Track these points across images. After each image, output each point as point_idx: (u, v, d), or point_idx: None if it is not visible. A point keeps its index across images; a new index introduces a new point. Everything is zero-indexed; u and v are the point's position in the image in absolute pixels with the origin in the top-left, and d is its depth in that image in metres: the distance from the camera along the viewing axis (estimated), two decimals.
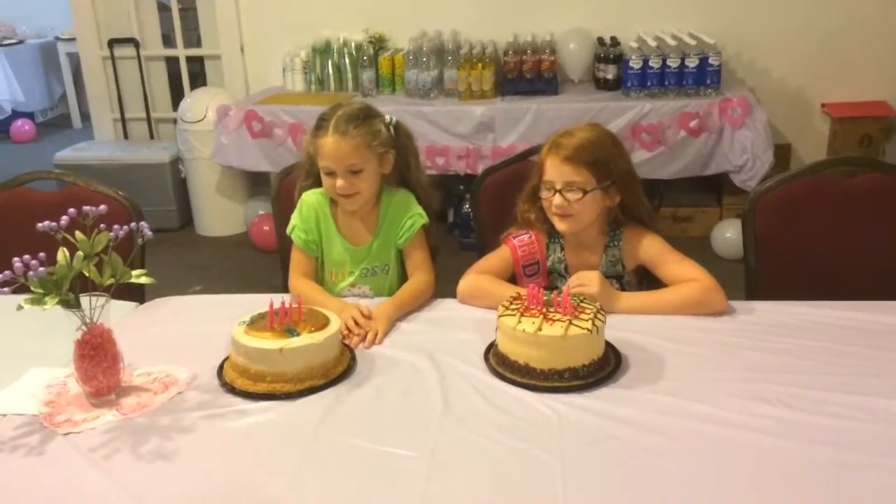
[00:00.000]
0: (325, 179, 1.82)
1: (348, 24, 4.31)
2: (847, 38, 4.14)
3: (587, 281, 1.68)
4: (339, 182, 1.79)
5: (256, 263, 4.01)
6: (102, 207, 1.37)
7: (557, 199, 1.74)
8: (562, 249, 1.86)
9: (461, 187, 4.15)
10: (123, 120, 4.88)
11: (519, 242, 1.85)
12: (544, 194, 1.78)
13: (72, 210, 1.35)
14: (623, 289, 1.82)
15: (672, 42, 3.88)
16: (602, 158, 1.74)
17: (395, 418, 1.36)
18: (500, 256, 1.86)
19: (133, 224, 1.40)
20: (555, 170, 1.75)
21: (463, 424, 1.32)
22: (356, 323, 1.64)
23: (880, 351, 1.53)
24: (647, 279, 1.88)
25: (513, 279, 1.85)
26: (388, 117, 1.88)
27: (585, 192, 1.73)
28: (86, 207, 1.35)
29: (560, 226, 1.79)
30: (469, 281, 1.80)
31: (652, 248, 1.80)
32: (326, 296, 1.80)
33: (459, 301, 1.80)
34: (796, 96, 4.26)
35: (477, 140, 3.85)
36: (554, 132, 1.82)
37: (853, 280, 1.94)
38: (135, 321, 1.77)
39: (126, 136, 4.90)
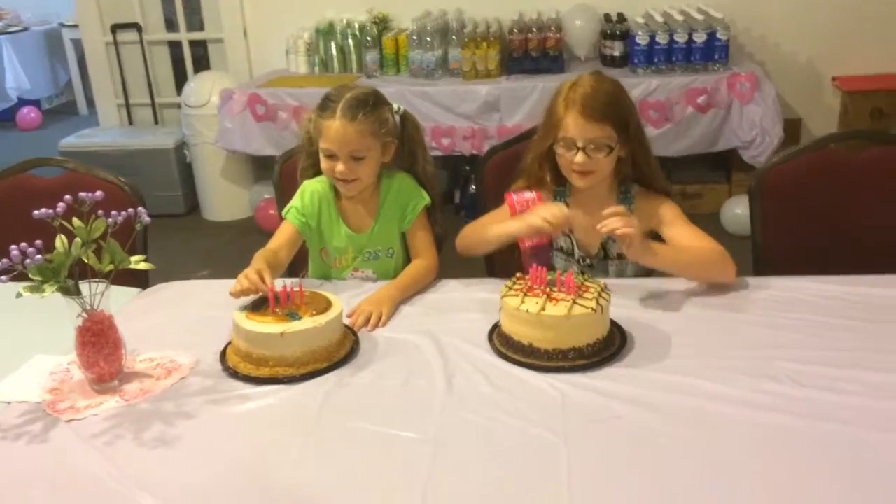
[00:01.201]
0: (324, 161, 1.80)
1: (351, 4, 4.28)
2: (858, 10, 4.06)
3: (630, 223, 1.53)
4: (340, 167, 1.76)
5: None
6: (99, 193, 1.35)
7: (580, 157, 1.68)
8: (567, 207, 1.81)
9: (467, 168, 4.13)
10: (128, 105, 4.87)
11: (518, 199, 1.74)
12: (563, 152, 1.71)
13: (68, 197, 1.33)
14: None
15: (679, 17, 3.82)
16: (621, 110, 1.70)
17: (398, 401, 1.35)
18: (500, 213, 1.80)
19: (131, 210, 1.38)
20: (576, 127, 1.67)
21: (466, 406, 1.31)
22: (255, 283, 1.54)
23: (889, 325, 1.51)
24: None
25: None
26: (395, 106, 1.86)
27: (611, 149, 1.68)
28: (82, 194, 1.34)
29: (579, 182, 1.74)
30: (462, 231, 1.79)
31: (668, 212, 1.76)
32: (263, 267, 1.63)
33: (459, 253, 1.80)
34: (806, 70, 4.20)
35: (482, 120, 3.82)
36: (562, 84, 1.75)
37: (863, 255, 1.91)
38: (137, 307, 1.77)
39: (131, 121, 4.90)
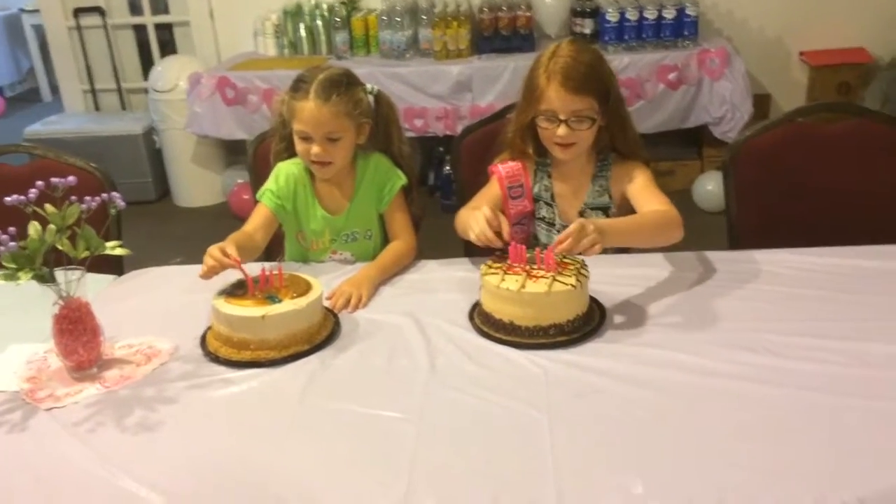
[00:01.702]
0: (298, 143, 1.78)
1: None
2: None
3: (578, 237, 1.42)
4: (315, 149, 1.75)
5: None
6: (71, 178, 1.33)
7: (563, 129, 1.67)
8: (549, 177, 1.83)
9: (440, 149, 4.12)
10: (93, 91, 4.78)
11: (505, 169, 1.72)
12: (546, 125, 1.70)
13: (40, 182, 1.31)
14: None
15: None
16: (602, 80, 1.69)
17: (381, 381, 1.35)
18: (488, 191, 1.80)
19: (105, 195, 1.36)
20: (559, 99, 1.65)
21: (450, 384, 1.32)
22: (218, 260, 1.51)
23: (862, 295, 1.54)
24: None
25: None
26: (369, 86, 1.84)
27: (594, 121, 1.68)
28: (54, 179, 1.32)
29: (561, 155, 1.74)
30: (457, 215, 1.78)
31: (637, 174, 1.76)
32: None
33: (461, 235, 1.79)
34: (774, 46, 4.24)
35: (455, 100, 3.81)
36: (540, 55, 1.72)
37: (835, 227, 1.94)
38: (114, 293, 1.75)
39: (97, 107, 4.81)
